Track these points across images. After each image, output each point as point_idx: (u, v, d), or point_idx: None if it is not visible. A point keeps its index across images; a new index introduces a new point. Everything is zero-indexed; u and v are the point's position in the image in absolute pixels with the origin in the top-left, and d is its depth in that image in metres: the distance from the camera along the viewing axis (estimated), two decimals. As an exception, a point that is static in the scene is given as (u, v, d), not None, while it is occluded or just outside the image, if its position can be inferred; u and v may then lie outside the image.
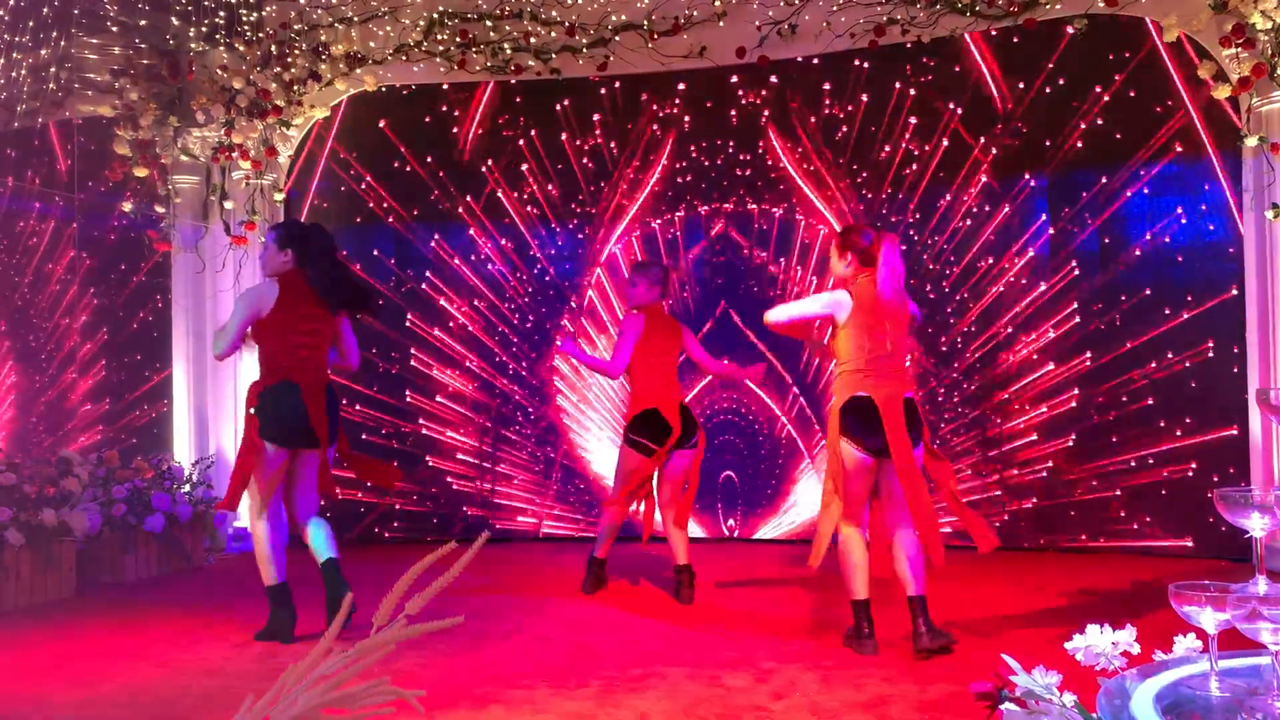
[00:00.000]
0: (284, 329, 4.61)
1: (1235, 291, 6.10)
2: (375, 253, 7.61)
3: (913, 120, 6.94)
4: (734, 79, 7.18)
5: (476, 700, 3.63)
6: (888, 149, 6.99)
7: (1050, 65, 6.58)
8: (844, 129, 7.08)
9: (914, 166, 6.96)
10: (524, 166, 7.51)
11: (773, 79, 7.11)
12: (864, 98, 7.01)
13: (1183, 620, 1.80)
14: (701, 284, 7.43)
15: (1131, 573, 5.86)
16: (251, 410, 4.60)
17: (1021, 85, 6.69)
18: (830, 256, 4.46)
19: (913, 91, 6.91)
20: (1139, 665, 1.87)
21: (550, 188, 7.53)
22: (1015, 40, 6.64)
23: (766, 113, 7.19)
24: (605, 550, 5.56)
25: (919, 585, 4.16)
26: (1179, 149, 6.33)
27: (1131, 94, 6.43)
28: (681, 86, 7.27)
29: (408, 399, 7.58)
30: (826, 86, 7.08)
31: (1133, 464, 6.45)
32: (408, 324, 7.56)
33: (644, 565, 6.44)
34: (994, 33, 6.65)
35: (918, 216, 6.98)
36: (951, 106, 6.84)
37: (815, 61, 7.03)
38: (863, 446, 4.17)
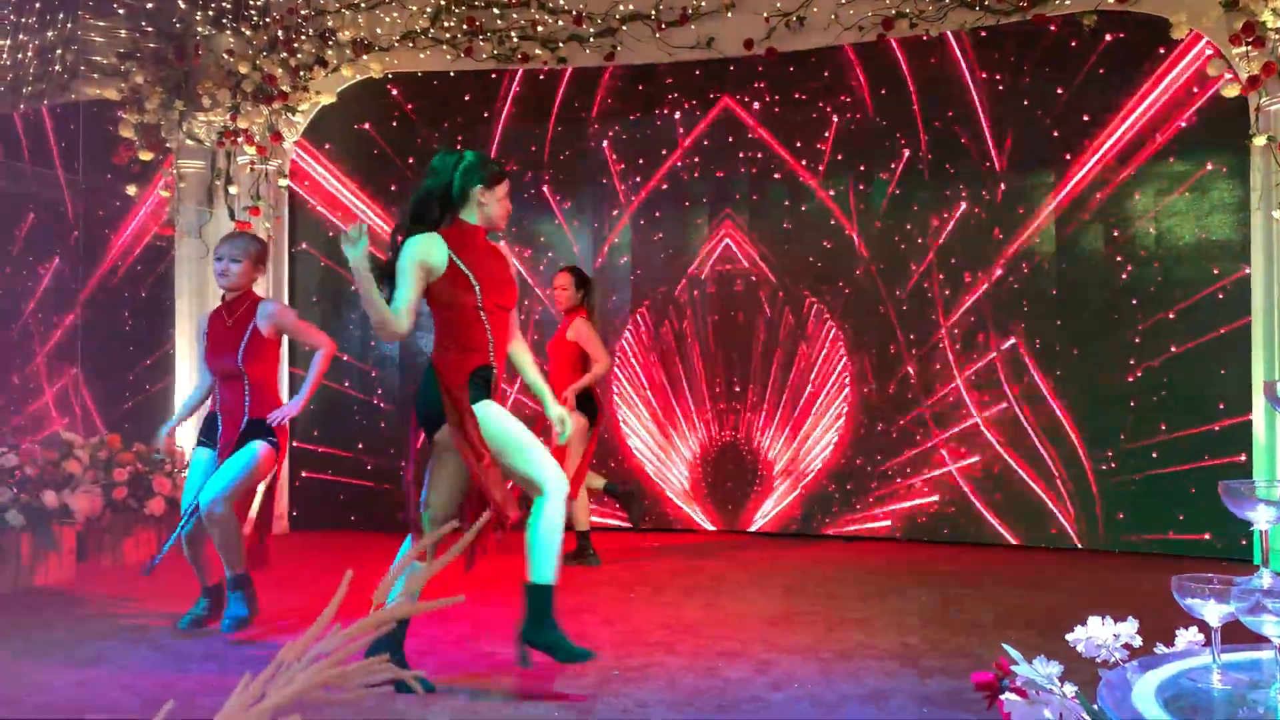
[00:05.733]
0: None
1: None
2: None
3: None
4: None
5: (475, 685, 3.63)
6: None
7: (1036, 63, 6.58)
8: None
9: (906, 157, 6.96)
10: (532, 149, 7.53)
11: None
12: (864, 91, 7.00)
13: (1185, 615, 1.79)
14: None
15: (1135, 569, 5.85)
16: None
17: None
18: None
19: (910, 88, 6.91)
20: (1140, 658, 1.86)
21: (560, 176, 7.54)
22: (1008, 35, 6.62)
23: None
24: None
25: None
26: (1185, 146, 6.31)
27: (1144, 88, 6.41)
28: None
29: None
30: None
31: (1136, 462, 6.44)
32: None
33: (643, 556, 6.44)
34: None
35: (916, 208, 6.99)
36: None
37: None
38: None
